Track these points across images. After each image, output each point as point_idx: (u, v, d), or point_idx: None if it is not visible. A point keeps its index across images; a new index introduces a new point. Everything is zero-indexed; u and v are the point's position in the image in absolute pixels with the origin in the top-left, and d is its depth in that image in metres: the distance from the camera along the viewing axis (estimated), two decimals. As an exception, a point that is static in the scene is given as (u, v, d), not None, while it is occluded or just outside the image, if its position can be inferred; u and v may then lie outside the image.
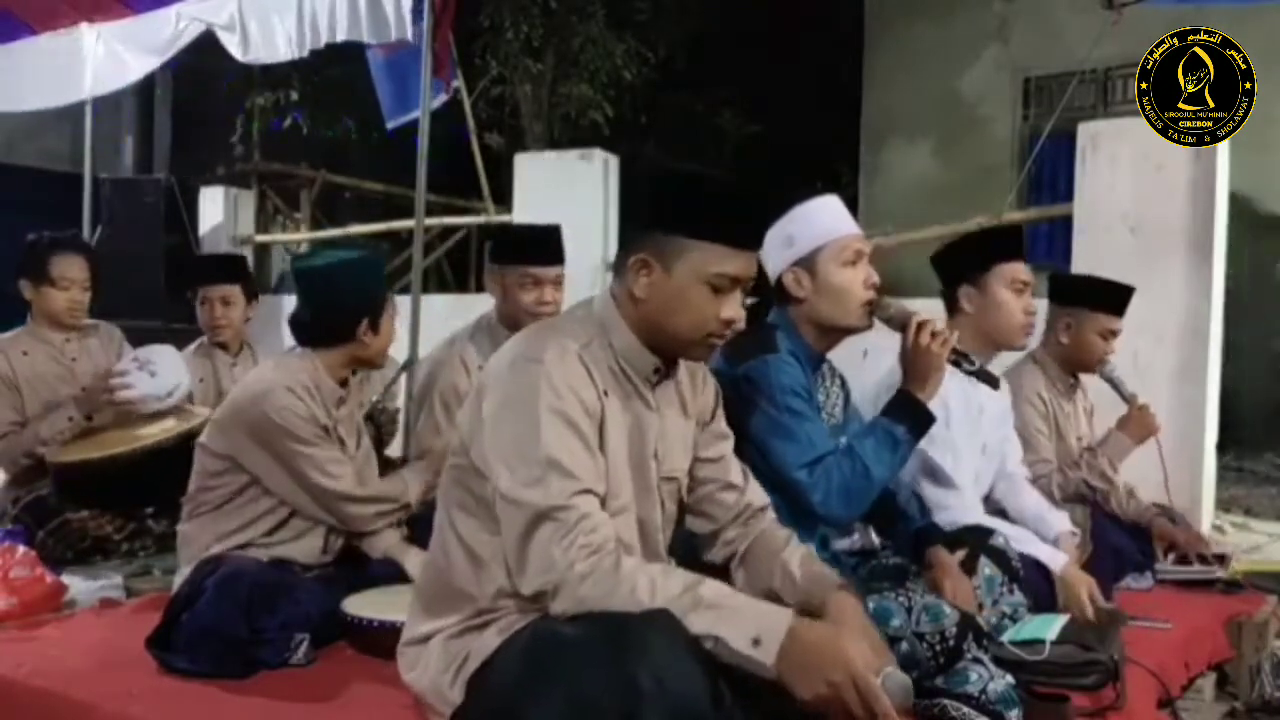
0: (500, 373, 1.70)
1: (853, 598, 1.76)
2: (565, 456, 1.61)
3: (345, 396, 2.64)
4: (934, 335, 2.20)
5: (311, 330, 2.59)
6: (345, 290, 2.58)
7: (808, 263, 2.28)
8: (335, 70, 8.48)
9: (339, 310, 2.56)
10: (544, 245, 3.09)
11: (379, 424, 3.50)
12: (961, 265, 2.82)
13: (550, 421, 1.62)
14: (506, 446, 1.64)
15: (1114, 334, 3.31)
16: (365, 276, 2.63)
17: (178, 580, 2.46)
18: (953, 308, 2.83)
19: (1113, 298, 3.32)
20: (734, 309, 1.75)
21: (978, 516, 2.70)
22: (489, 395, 1.69)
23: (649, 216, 1.77)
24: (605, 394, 1.72)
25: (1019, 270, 2.78)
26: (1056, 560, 2.66)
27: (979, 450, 2.81)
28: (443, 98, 4.97)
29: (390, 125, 5.85)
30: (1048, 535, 2.78)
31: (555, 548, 1.56)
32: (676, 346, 1.80)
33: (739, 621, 1.48)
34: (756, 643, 1.46)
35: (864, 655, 1.47)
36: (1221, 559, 3.21)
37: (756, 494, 1.99)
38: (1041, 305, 3.47)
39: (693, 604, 1.50)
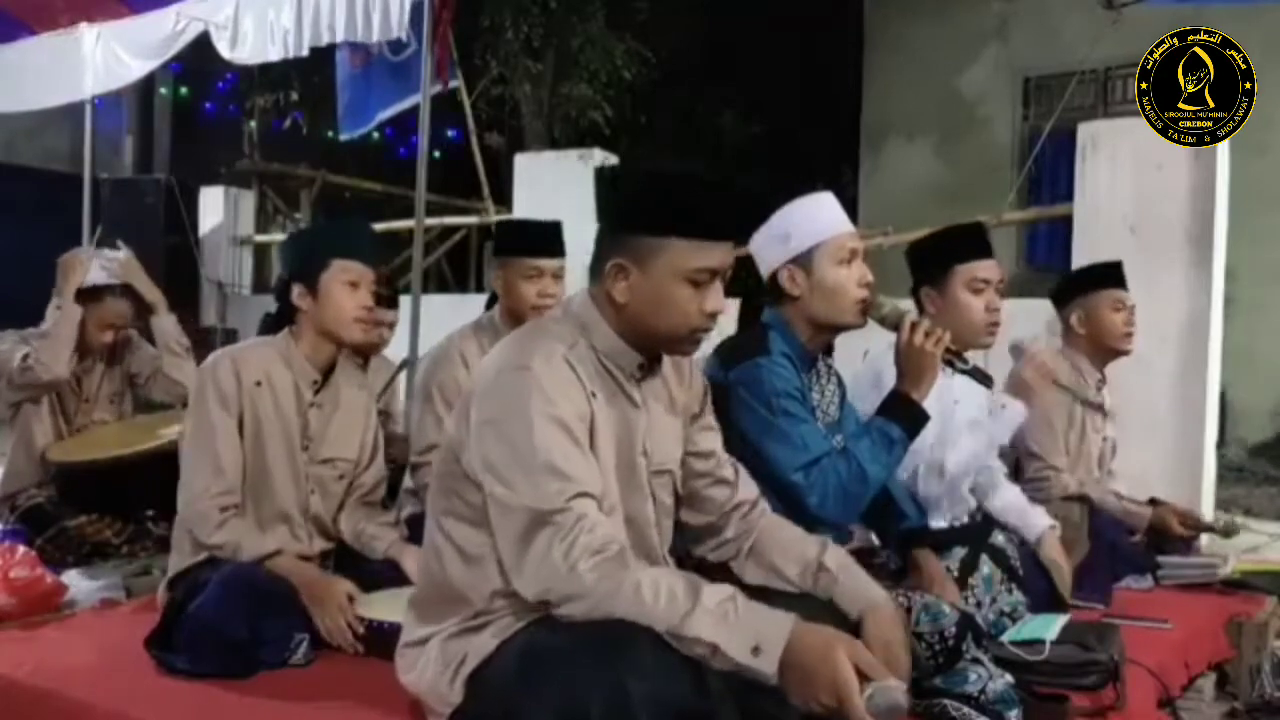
0: (489, 381, 1.69)
1: (891, 611, 1.76)
2: (561, 460, 1.60)
3: (322, 382, 2.53)
4: (928, 334, 2.19)
5: (276, 313, 2.60)
6: (283, 263, 2.62)
7: (803, 260, 2.28)
8: (335, 70, 8.49)
9: (279, 284, 2.57)
10: (545, 237, 3.12)
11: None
12: (923, 266, 2.77)
13: (544, 426, 1.61)
14: (501, 454, 1.62)
15: (1124, 304, 3.32)
16: (297, 244, 2.66)
17: (161, 588, 2.43)
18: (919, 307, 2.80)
19: (1109, 273, 3.38)
20: (716, 301, 1.73)
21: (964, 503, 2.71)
22: (479, 404, 1.68)
23: (617, 219, 1.75)
24: (593, 395, 1.71)
25: (981, 269, 2.68)
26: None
27: (967, 431, 2.82)
28: (409, 102, 4.97)
29: (344, 136, 5.90)
30: (1030, 535, 2.79)
31: (555, 551, 1.55)
32: (662, 344, 1.79)
33: (739, 629, 1.46)
34: (757, 651, 1.44)
35: (868, 663, 1.43)
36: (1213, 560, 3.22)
37: (748, 489, 1.98)
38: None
39: (692, 608, 1.48)
